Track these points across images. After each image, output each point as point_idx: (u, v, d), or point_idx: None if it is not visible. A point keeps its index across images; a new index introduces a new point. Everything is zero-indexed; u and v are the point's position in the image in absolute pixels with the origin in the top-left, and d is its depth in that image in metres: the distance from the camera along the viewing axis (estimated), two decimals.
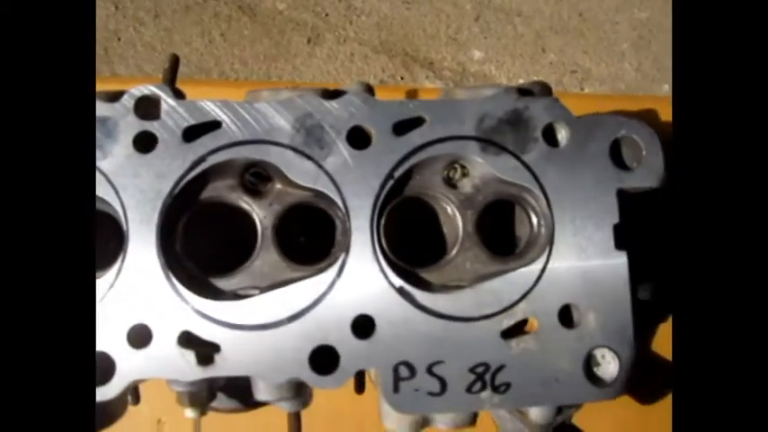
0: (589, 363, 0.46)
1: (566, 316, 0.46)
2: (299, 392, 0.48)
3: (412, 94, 0.68)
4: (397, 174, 0.45)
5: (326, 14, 0.85)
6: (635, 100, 0.85)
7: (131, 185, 0.44)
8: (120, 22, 0.81)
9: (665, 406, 0.78)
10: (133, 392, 0.59)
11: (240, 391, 0.49)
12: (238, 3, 0.85)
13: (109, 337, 0.42)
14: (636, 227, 0.51)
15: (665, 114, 0.85)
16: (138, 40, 0.81)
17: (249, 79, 0.79)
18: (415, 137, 0.46)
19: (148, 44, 0.82)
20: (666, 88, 0.92)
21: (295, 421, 0.52)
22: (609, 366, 0.46)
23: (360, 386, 0.57)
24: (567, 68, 0.89)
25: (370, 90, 0.49)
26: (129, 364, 0.42)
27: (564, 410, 0.50)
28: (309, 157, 0.45)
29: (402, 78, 0.82)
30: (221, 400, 0.49)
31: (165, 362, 0.42)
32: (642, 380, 0.77)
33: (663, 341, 0.79)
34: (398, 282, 0.44)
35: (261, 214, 0.47)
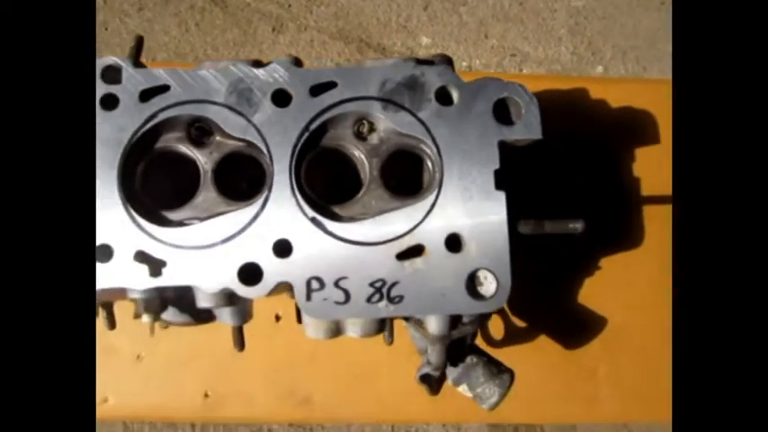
0: (473, 282, 0.55)
1: (453, 243, 0.56)
2: (236, 305, 0.58)
3: None
4: (313, 127, 0.56)
5: (289, 5, 0.96)
6: (569, 80, 0.94)
7: (98, 137, 0.55)
8: (107, 14, 0.93)
9: (588, 351, 0.88)
10: (109, 318, 0.70)
11: (188, 308, 0.60)
12: None
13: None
14: (521, 175, 0.61)
15: (596, 92, 0.94)
16: (124, 29, 0.93)
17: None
18: (328, 98, 0.56)
19: (132, 32, 0.94)
20: (600, 69, 1.01)
21: (238, 335, 0.63)
22: (489, 286, 0.56)
23: (298, 317, 0.68)
24: (507, 52, 0.98)
25: (298, 63, 0.60)
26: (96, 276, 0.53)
27: (459, 327, 0.60)
28: (241, 114, 0.56)
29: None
30: (174, 314, 0.60)
31: (125, 274, 0.53)
32: (569, 328, 0.87)
33: (599, 299, 0.88)
34: (311, 213, 0.55)
35: (203, 160, 0.57)
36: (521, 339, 0.86)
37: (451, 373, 0.65)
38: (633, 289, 0.88)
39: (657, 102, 0.94)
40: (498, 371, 0.65)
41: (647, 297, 0.88)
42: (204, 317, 0.61)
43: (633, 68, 0.99)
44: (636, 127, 0.93)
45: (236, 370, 0.83)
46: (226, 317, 0.60)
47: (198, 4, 0.94)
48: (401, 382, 0.83)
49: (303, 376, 0.84)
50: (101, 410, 0.82)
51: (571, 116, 0.92)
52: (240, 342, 0.64)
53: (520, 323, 0.86)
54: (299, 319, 0.68)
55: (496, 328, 0.86)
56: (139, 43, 0.62)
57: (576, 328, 0.87)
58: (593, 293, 0.88)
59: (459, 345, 0.63)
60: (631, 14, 0.99)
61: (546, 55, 0.98)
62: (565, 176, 0.89)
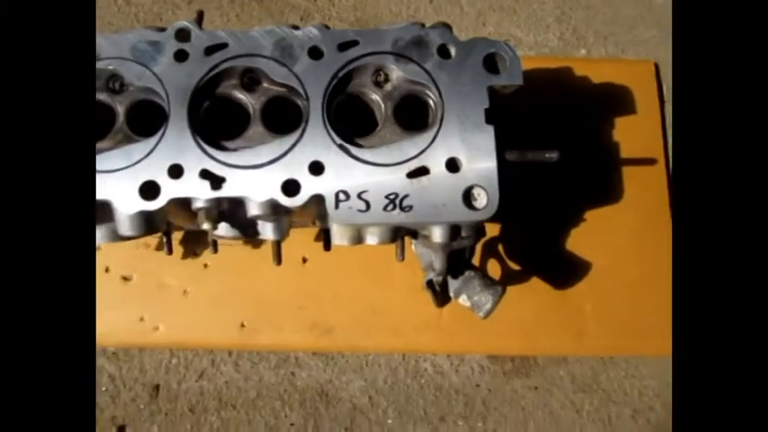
0: (468, 196, 0.68)
1: (452, 165, 0.69)
2: (278, 222, 0.72)
3: None
4: (340, 75, 0.70)
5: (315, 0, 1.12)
6: (557, 60, 1.08)
7: (172, 82, 0.69)
8: (161, 7, 1.09)
9: (576, 291, 0.99)
10: (168, 245, 0.84)
11: (239, 224, 0.73)
12: None
13: (154, 170, 0.67)
14: (508, 119, 0.74)
15: (580, 71, 1.08)
16: (175, 19, 1.10)
17: None
18: (352, 52, 0.71)
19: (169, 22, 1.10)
20: (583, 52, 1.15)
21: (276, 249, 0.76)
22: (482, 199, 0.68)
23: (327, 245, 0.82)
24: (502, 38, 1.12)
25: (326, 27, 0.75)
26: (168, 189, 0.67)
27: (459, 239, 0.72)
28: (284, 65, 0.70)
29: None
30: (227, 229, 0.73)
31: (192, 187, 0.67)
32: (559, 270, 0.98)
33: (584, 246, 1.00)
34: (339, 141, 0.69)
35: (253, 102, 0.72)
36: (516, 281, 0.98)
37: (452, 285, 0.78)
38: (614, 237, 1.00)
39: (634, 79, 1.08)
40: (492, 283, 0.77)
41: (627, 244, 1.00)
42: (251, 233, 0.74)
43: (612, 51, 1.13)
44: (615, 100, 1.07)
45: (268, 305, 0.96)
46: (268, 231, 0.73)
47: None
48: (412, 317, 0.96)
49: (326, 311, 0.96)
50: (152, 337, 0.95)
51: (558, 91, 1.06)
52: (278, 257, 0.77)
53: (515, 266, 0.98)
54: (327, 247, 0.82)
55: (494, 270, 0.98)
56: (200, 15, 0.77)
57: (565, 270, 0.99)
58: (579, 241, 1.00)
59: (458, 258, 0.76)
60: (611, 5, 1.14)
61: (536, 40, 1.13)
62: (555, 140, 1.03)
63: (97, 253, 0.97)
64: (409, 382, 0.99)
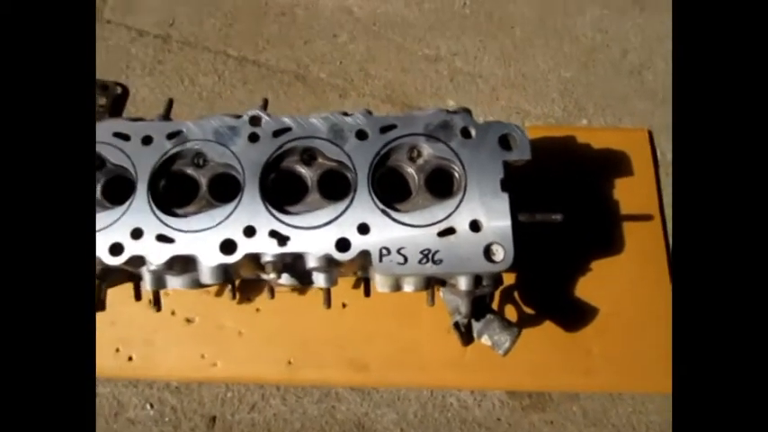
0: (488, 251, 0.82)
1: (474, 226, 0.83)
2: (329, 272, 0.86)
3: None
4: (382, 152, 0.87)
5: (352, 80, 1.31)
6: (561, 129, 1.24)
7: (246, 159, 0.86)
8: (222, 87, 1.28)
9: (584, 333, 1.11)
10: (233, 290, 0.99)
11: (297, 274, 0.88)
12: (294, 74, 1.31)
13: (232, 230, 0.83)
14: (519, 185, 0.89)
15: (582, 138, 1.24)
16: (233, 97, 1.28)
17: None
18: (391, 134, 0.88)
19: (240, 100, 1.29)
20: (585, 121, 1.31)
21: (327, 295, 0.91)
22: (500, 254, 0.83)
23: (367, 291, 0.96)
24: (513, 110, 1.30)
25: (369, 113, 0.92)
26: (243, 246, 0.82)
27: (480, 287, 0.86)
28: (336, 145, 0.87)
29: None
30: (287, 278, 0.88)
31: (263, 244, 0.82)
32: (568, 315, 1.11)
33: (591, 293, 1.13)
34: (381, 206, 0.84)
35: (311, 175, 0.88)
36: (530, 324, 1.11)
37: (476, 326, 0.91)
38: (617, 285, 1.13)
39: (630, 145, 1.23)
40: (509, 325, 0.90)
41: (628, 291, 1.12)
42: (306, 281, 0.89)
43: (611, 120, 1.30)
44: (614, 164, 1.22)
45: (312, 344, 1.10)
46: (321, 280, 0.88)
47: (285, 79, 1.30)
48: (438, 356, 1.08)
49: (362, 350, 1.09)
50: (210, 373, 1.09)
51: (564, 155, 1.22)
52: (328, 301, 0.92)
53: (529, 311, 1.11)
54: (367, 293, 0.96)
55: (511, 314, 1.11)
56: (266, 102, 0.95)
57: (573, 314, 1.11)
58: (586, 289, 1.13)
59: (481, 303, 0.90)
60: (608, 81, 1.32)
61: (543, 112, 1.30)
62: (562, 200, 1.18)
63: (165, 298, 1.12)
64: (437, 416, 1.10)
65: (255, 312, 1.12)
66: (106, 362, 1.10)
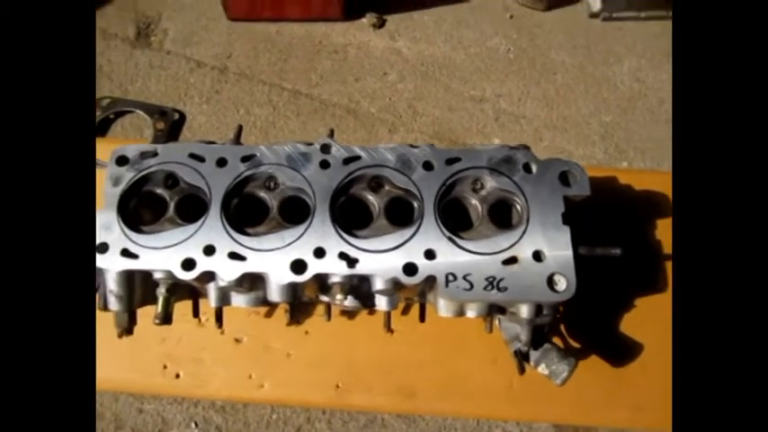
0: (551, 281, 0.85)
1: (537, 256, 0.86)
2: (393, 295, 0.89)
3: None
4: (447, 183, 0.91)
5: (401, 116, 1.37)
6: (603, 170, 1.29)
7: (317, 184, 0.90)
8: (275, 118, 1.35)
9: (630, 369, 1.12)
10: (291, 312, 1.01)
11: (362, 297, 0.90)
12: (346, 108, 1.38)
13: (302, 251, 0.86)
14: (580, 218, 0.93)
15: (622, 178, 1.28)
16: (286, 127, 1.34)
17: None
18: (456, 166, 0.92)
19: (292, 130, 1.35)
20: (625, 164, 1.37)
21: (388, 319, 0.93)
22: (562, 284, 0.85)
23: (422, 317, 0.98)
24: (556, 151, 1.35)
25: (433, 146, 0.96)
26: (313, 266, 0.85)
27: (540, 316, 0.88)
28: (404, 174, 0.91)
29: None
30: (351, 301, 0.90)
31: (332, 265, 0.85)
32: (614, 351, 1.12)
33: (636, 330, 1.15)
34: (447, 234, 0.87)
35: (378, 202, 0.92)
36: (578, 358, 1.12)
37: (533, 355, 0.93)
38: (661, 322, 1.14)
39: (669, 187, 1.27)
40: (567, 355, 0.92)
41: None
42: (369, 304, 0.91)
43: (649, 164, 1.35)
44: (654, 204, 1.25)
45: (360, 369, 1.11)
46: (383, 304, 0.90)
47: (337, 113, 1.36)
48: (485, 385, 1.09)
49: (410, 377, 1.10)
50: (257, 394, 1.09)
51: (605, 196, 1.25)
52: (388, 325, 0.94)
53: (576, 345, 1.13)
54: (422, 319, 0.98)
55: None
56: (332, 132, 1.00)
57: (620, 350, 1.13)
58: (630, 325, 1.15)
59: (539, 333, 0.91)
60: (645, 127, 1.37)
61: (584, 153, 1.35)
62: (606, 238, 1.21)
63: (213, 318, 1.14)
64: None
65: (304, 335, 1.13)
66: (153, 378, 1.11)
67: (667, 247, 1.21)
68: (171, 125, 1.34)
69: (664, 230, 1.22)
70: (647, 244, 1.21)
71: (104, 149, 1.33)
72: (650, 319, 1.15)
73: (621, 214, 1.23)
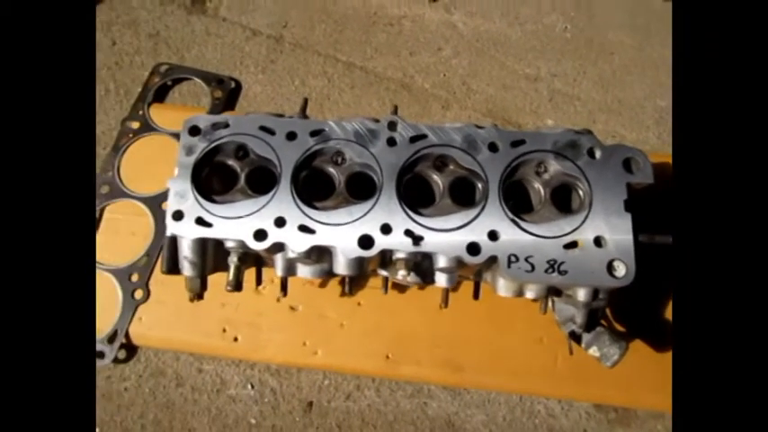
0: (611, 266, 0.87)
1: (598, 242, 0.88)
2: (453, 273, 0.92)
3: None
4: (512, 165, 0.92)
5: (454, 92, 1.36)
6: (656, 156, 1.28)
7: (384, 160, 0.92)
8: (330, 90, 1.35)
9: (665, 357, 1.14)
10: (349, 284, 1.05)
11: (422, 273, 0.93)
12: (400, 83, 1.37)
13: (370, 226, 0.88)
14: (641, 207, 0.93)
15: None
16: (341, 100, 1.35)
17: None
18: (522, 149, 0.93)
19: (347, 103, 1.36)
20: None
21: (446, 295, 0.96)
22: (621, 270, 0.87)
23: (476, 295, 1.01)
24: (609, 134, 1.34)
25: (497, 126, 0.97)
26: (380, 242, 0.88)
27: (596, 300, 0.90)
28: (469, 154, 0.92)
29: None
30: (414, 277, 0.93)
31: (398, 242, 0.88)
32: (657, 335, 1.14)
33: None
34: (511, 215, 0.89)
35: (442, 181, 0.94)
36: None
37: (585, 338, 0.95)
38: None
39: None
40: (618, 338, 0.94)
41: None
42: (429, 280, 0.94)
43: None
44: None
45: (410, 341, 1.15)
46: (443, 280, 0.93)
47: (391, 87, 1.36)
48: (530, 363, 1.13)
49: (458, 351, 1.14)
50: (311, 360, 1.14)
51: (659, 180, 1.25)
52: (446, 301, 0.97)
53: (621, 328, 1.15)
54: (476, 296, 1.01)
55: None
56: (395, 109, 1.01)
57: (663, 335, 1.15)
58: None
59: (593, 316, 0.94)
60: None
61: (638, 138, 1.34)
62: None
63: (270, 285, 1.18)
64: (525, 421, 1.14)
65: (357, 306, 1.18)
66: (213, 341, 1.16)
67: None
68: (228, 94, 1.37)
69: None
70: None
71: (162, 116, 1.36)
72: None
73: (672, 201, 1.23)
